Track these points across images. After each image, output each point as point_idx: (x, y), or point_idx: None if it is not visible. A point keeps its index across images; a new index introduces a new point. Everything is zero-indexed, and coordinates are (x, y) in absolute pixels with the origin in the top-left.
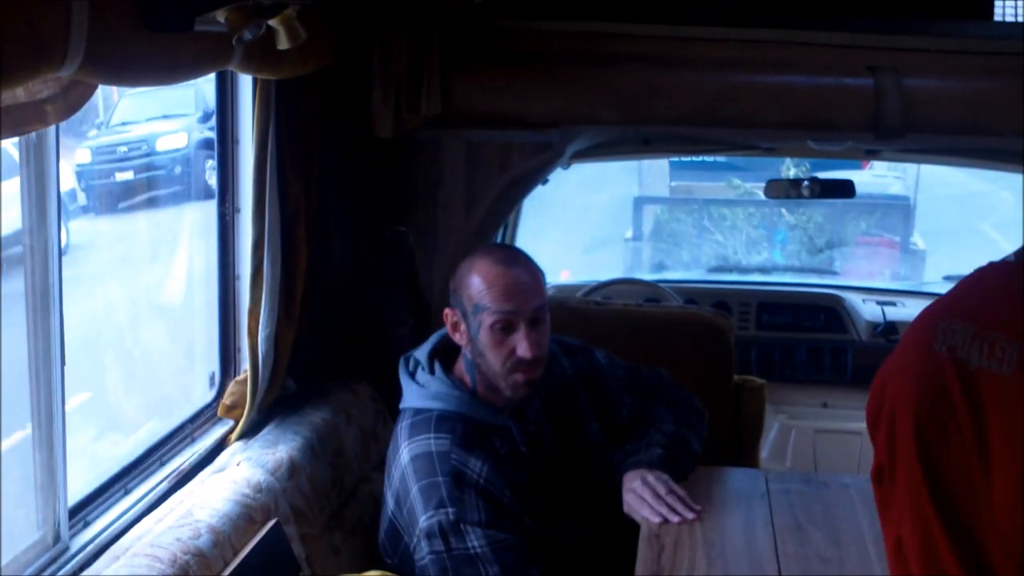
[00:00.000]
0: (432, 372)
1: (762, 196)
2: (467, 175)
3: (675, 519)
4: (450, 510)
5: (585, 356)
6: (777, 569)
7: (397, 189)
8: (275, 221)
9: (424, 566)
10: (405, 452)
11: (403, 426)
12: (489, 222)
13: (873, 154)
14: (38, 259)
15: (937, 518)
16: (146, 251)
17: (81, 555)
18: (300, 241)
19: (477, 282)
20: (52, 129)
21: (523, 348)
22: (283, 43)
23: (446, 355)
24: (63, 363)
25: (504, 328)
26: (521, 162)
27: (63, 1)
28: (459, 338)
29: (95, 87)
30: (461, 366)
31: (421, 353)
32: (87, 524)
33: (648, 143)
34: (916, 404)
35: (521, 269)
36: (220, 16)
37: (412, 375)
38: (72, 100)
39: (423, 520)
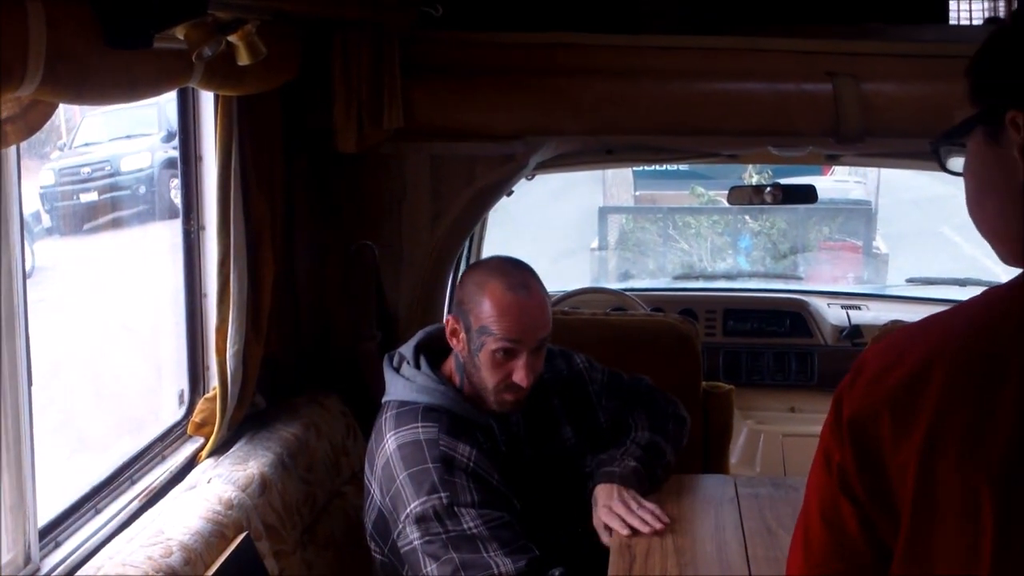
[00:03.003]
0: (418, 367)
1: (725, 203)
2: (431, 188)
3: (645, 530)
4: (443, 494)
5: (565, 360)
6: (748, 572)
7: (362, 204)
8: (240, 238)
9: (413, 550)
10: (391, 441)
11: (387, 417)
12: (455, 235)
13: (834, 159)
14: (3, 280)
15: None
16: (112, 271)
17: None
18: (266, 257)
19: (487, 305)
20: (13, 149)
21: (520, 376)
22: (244, 59)
23: (430, 351)
24: (30, 384)
25: (506, 354)
26: (485, 174)
27: (20, 20)
28: (456, 345)
29: (55, 106)
30: (451, 365)
31: (407, 349)
32: (58, 545)
33: (611, 153)
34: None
35: (532, 298)
36: (179, 33)
37: (397, 369)
38: (32, 120)
39: (415, 506)
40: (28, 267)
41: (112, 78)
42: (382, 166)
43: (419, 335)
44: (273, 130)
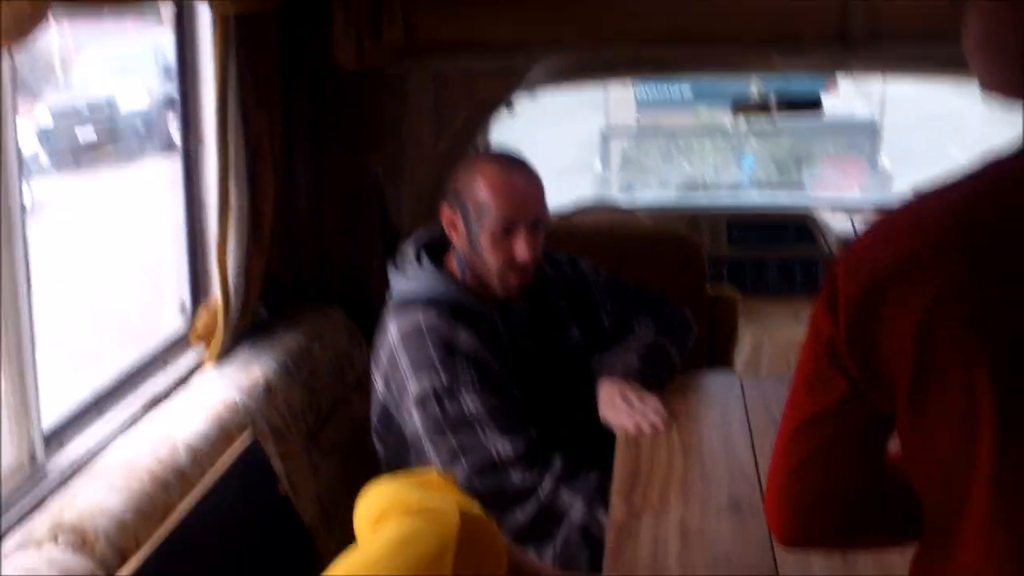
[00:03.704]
0: (419, 261)
1: (729, 126)
2: (433, 105)
3: (647, 430)
4: (443, 376)
5: (571, 265)
6: (755, 465)
7: (363, 122)
8: (240, 153)
9: (415, 435)
10: (393, 330)
11: (390, 309)
12: (457, 151)
13: (842, 68)
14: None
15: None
16: (111, 204)
17: (58, 474)
18: (266, 173)
19: (482, 186)
20: (6, 70)
21: (521, 252)
22: None
23: (431, 250)
24: (30, 286)
25: (505, 232)
26: (486, 89)
27: None
28: (455, 236)
29: (45, 13)
30: (452, 260)
31: (407, 247)
32: (62, 446)
33: (614, 67)
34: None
35: (525, 176)
36: None
37: (398, 265)
38: (22, 25)
39: (415, 388)
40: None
41: None
42: (383, 84)
43: (418, 233)
44: (270, 47)
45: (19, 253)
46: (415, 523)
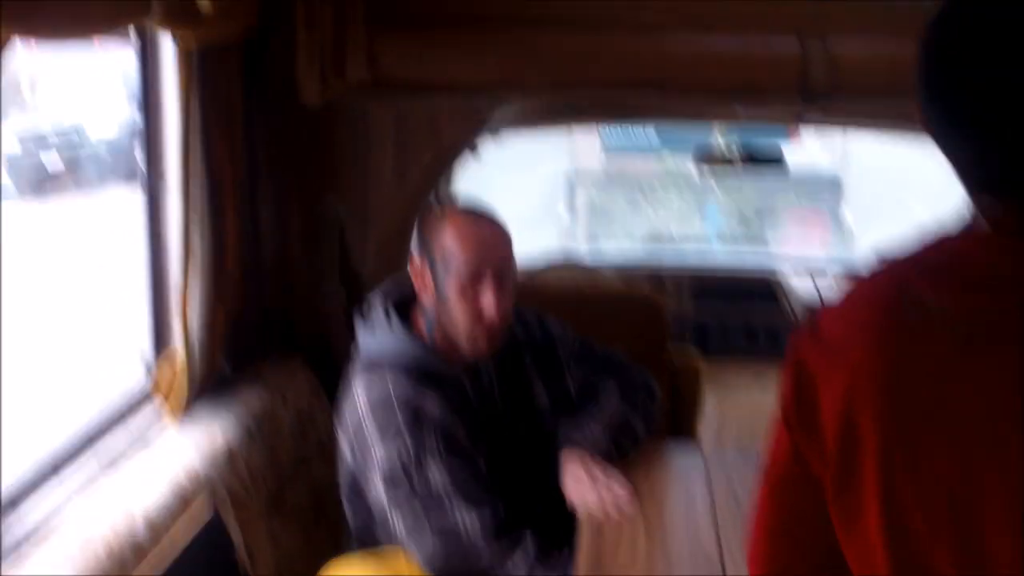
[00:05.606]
0: (388, 319)
1: (693, 172)
2: (396, 144)
3: (613, 512)
4: (410, 446)
5: (538, 322)
6: (717, 545)
7: (325, 159)
8: (202, 192)
9: (381, 504)
10: (361, 396)
11: (357, 369)
12: (421, 192)
13: (802, 120)
14: None
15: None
16: (74, 236)
17: (12, 542)
18: (228, 213)
19: (449, 233)
20: None
21: (488, 305)
22: None
23: (400, 301)
24: None
25: (472, 281)
26: (450, 129)
27: None
28: (424, 290)
29: (9, 40)
30: (420, 318)
31: (376, 298)
32: (16, 507)
33: (578, 112)
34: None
35: (492, 227)
36: None
37: (366, 319)
38: None
39: (381, 458)
40: None
41: (68, 9)
42: (346, 120)
43: (387, 286)
44: (234, 83)
45: None
46: None
